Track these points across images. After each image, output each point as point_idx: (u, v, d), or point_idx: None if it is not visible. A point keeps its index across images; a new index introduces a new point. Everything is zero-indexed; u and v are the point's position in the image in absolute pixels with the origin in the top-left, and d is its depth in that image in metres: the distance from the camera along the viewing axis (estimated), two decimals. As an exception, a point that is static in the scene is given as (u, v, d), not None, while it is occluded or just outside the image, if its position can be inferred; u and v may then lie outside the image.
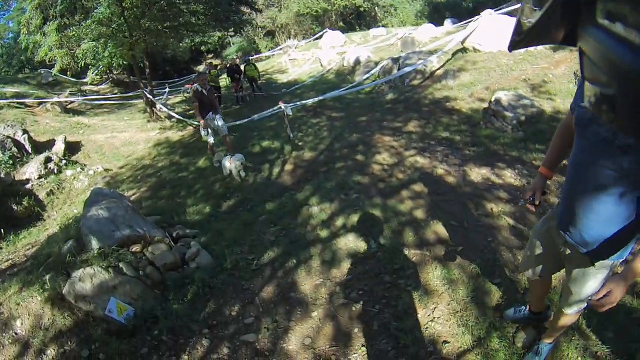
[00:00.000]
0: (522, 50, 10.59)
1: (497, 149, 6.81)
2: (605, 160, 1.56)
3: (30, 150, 11.81)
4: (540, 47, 10.71)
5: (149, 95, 16.13)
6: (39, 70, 31.53)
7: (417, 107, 9.99)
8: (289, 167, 7.91)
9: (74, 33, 15.87)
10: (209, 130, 8.84)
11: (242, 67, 18.38)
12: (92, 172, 10.84)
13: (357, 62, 17.34)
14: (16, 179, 10.01)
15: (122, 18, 14.50)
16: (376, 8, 40.33)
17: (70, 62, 19.09)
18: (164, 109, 15.71)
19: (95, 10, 15.79)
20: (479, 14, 12.58)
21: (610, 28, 0.67)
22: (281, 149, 8.98)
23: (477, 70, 10.53)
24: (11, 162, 10.71)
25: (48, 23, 15.25)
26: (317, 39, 30.70)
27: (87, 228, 4.67)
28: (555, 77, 8.87)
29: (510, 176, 5.74)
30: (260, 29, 41.02)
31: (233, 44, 42.53)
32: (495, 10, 12.79)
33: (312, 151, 8.44)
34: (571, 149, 2.00)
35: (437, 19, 29.00)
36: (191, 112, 16.53)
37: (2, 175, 9.53)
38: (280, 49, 32.83)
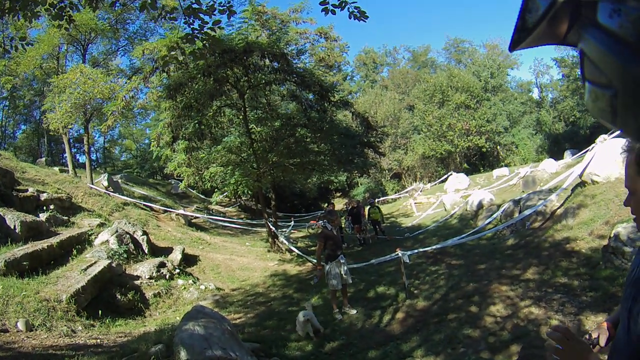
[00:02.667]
0: None
1: (616, 290, 6.36)
2: None
3: (146, 251, 12.51)
4: None
5: (271, 227, 16.67)
6: (170, 180, 34.54)
7: (537, 252, 9.66)
8: (399, 315, 7.89)
9: (203, 155, 17.17)
10: (332, 273, 8.44)
11: (366, 209, 18.95)
12: (203, 287, 11.21)
13: (480, 205, 17.23)
14: (126, 272, 10.50)
15: (250, 149, 15.64)
16: (498, 147, 40.67)
17: (196, 182, 20.17)
18: (285, 242, 16.05)
19: (226, 138, 17.24)
20: (595, 142, 12.31)
21: (610, 28, 0.68)
22: (395, 296, 8.99)
23: (596, 204, 10.09)
24: (125, 255, 11.18)
25: (178, 141, 16.51)
26: (442, 181, 31.20)
27: (179, 338, 4.83)
28: None
29: None
30: (386, 170, 42.28)
31: (360, 184, 43.80)
32: (608, 135, 12.48)
33: (425, 300, 8.38)
34: None
35: (557, 152, 28.94)
36: (313, 248, 16.69)
37: (114, 264, 10.01)
38: (406, 192, 33.54)
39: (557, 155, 24.17)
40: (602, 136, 12.30)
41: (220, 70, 14.12)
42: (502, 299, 7.37)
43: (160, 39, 17.22)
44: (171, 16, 5.67)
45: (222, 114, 16.91)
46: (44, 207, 12.41)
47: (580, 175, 11.52)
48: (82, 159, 40.49)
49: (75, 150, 28.58)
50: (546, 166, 19.30)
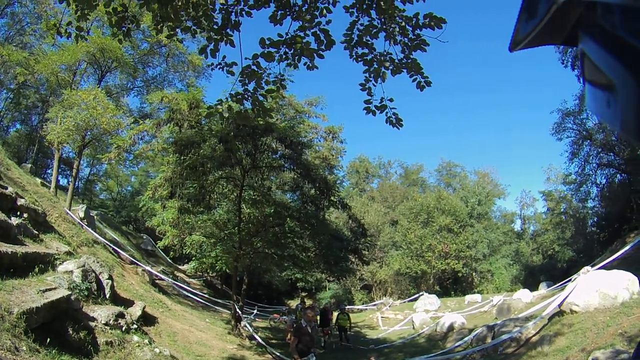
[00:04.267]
0: (618, 303, 10.40)
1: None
2: None
3: (107, 296, 11.83)
4: (635, 295, 10.50)
5: (237, 310, 16.22)
6: (142, 234, 33.75)
7: (509, 379, 9.49)
8: None
9: (190, 220, 16.97)
10: None
11: (334, 314, 18.60)
12: (158, 350, 10.64)
13: (451, 328, 17.05)
14: (83, 310, 9.81)
15: (235, 228, 15.44)
16: (474, 273, 40.82)
17: (177, 244, 20.00)
18: (248, 328, 15.68)
19: (214, 210, 17.15)
20: (572, 275, 12.52)
21: (610, 28, 0.68)
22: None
23: (573, 333, 10.10)
24: (86, 293, 10.60)
25: (173, 198, 16.28)
26: (412, 300, 30.99)
27: None
28: None
29: None
30: (358, 280, 42.02)
31: (329, 288, 43.45)
32: (592, 267, 12.75)
33: None
34: None
35: (531, 283, 29.44)
36: (273, 340, 16.56)
37: (73, 297, 9.28)
38: (375, 305, 33.26)
39: (532, 287, 24.43)
40: (586, 268, 12.58)
41: (235, 141, 14.38)
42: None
43: (182, 92, 17.65)
44: (229, 70, 5.80)
45: (219, 185, 16.94)
46: (18, 213, 11.85)
47: (560, 305, 11.64)
48: (64, 181, 40.52)
49: (59, 170, 28.09)
50: (521, 296, 19.42)
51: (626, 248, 14.95)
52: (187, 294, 21.44)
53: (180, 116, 15.61)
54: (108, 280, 12.38)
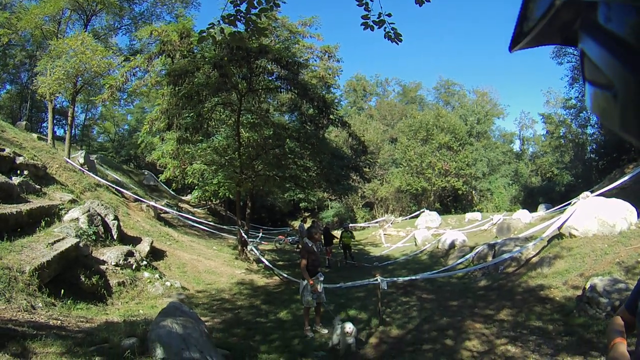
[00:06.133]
0: (616, 232, 10.50)
1: (591, 337, 6.51)
2: None
3: (115, 237, 12.06)
4: (633, 226, 10.57)
5: (243, 234, 16.42)
6: (143, 171, 34.27)
7: (510, 295, 9.74)
8: (373, 340, 7.74)
9: (190, 150, 16.90)
10: (309, 290, 8.11)
11: (339, 233, 18.86)
12: (169, 283, 10.90)
13: (452, 245, 17.38)
14: (93, 255, 10.02)
15: (236, 153, 15.47)
16: (473, 191, 41.32)
17: (178, 175, 20.07)
18: (255, 251, 15.93)
19: (214, 137, 17.11)
20: (571, 199, 12.56)
21: (610, 28, 0.67)
22: (368, 321, 8.82)
23: (572, 257, 10.27)
24: (94, 237, 10.78)
25: (171, 130, 16.29)
26: (413, 217, 31.47)
27: (156, 335, 4.64)
28: None
29: None
30: (360, 198, 42.55)
31: (331, 207, 43.84)
32: (591, 192, 12.81)
33: (399, 328, 8.26)
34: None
35: (530, 204, 29.52)
36: (280, 262, 16.83)
37: (81, 244, 9.49)
38: (377, 222, 33.81)
39: (531, 208, 24.68)
40: (585, 193, 12.61)
41: (229, 66, 13.95)
42: (477, 336, 7.34)
43: (172, 23, 16.98)
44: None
45: (217, 112, 16.71)
46: (18, 171, 11.91)
47: (559, 228, 11.74)
48: (60, 132, 40.30)
49: (54, 121, 27.83)
50: (521, 216, 19.67)
51: (625, 178, 14.94)
52: (192, 224, 21.70)
53: (171, 47, 15.00)
54: (114, 221, 12.47)
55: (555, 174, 38.96)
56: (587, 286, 7.69)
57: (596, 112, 0.76)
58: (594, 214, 11.09)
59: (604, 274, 8.25)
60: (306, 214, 44.04)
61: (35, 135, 20.96)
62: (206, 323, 8.21)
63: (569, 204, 13.24)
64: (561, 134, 38.34)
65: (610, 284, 7.45)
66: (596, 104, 0.75)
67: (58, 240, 8.81)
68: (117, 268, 10.37)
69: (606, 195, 12.47)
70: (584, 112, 30.04)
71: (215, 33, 5.62)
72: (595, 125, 30.96)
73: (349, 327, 6.79)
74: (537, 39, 0.82)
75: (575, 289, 8.66)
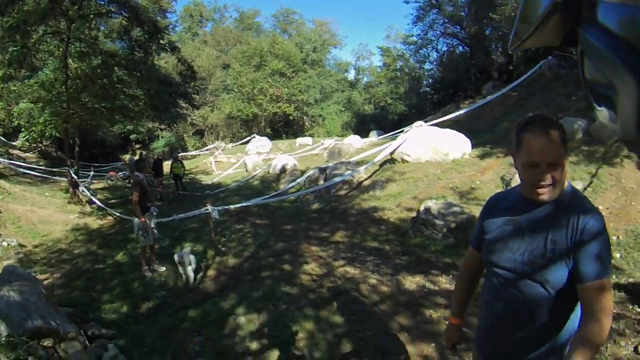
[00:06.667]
0: (450, 160, 11.17)
1: (429, 256, 6.80)
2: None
3: None
4: (467, 156, 11.33)
5: (73, 175, 15.35)
6: None
7: (344, 217, 9.94)
8: (211, 272, 7.42)
9: (15, 88, 15.56)
10: (148, 231, 7.70)
11: (168, 163, 18.03)
12: (5, 243, 9.99)
13: (283, 169, 17.47)
14: None
15: (63, 86, 14.22)
16: (304, 117, 42.20)
17: (5, 118, 18.17)
18: (86, 192, 14.99)
19: (40, 72, 15.63)
20: (404, 127, 13.09)
21: (610, 28, 0.66)
22: (203, 253, 8.46)
23: (405, 181, 10.78)
24: None
25: None
26: (244, 143, 31.26)
27: None
28: (483, 183, 9.25)
29: (445, 282, 5.74)
30: (190, 126, 41.49)
31: (162, 137, 42.18)
32: (425, 122, 13.50)
33: (236, 257, 8.01)
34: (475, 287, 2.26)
35: (362, 131, 30.50)
36: (112, 200, 15.93)
37: None
38: (207, 150, 33.06)
39: (363, 134, 25.59)
40: (419, 122, 13.19)
41: None
42: (314, 259, 7.33)
43: None
44: None
45: (45, 42, 14.98)
46: None
47: (392, 153, 12.18)
48: None
49: None
50: (352, 141, 20.29)
51: (460, 112, 15.85)
52: (24, 171, 19.82)
53: None
54: None
55: (388, 103, 41.02)
56: (422, 208, 7.98)
57: (596, 112, 0.82)
58: (428, 142, 11.65)
59: (437, 198, 8.67)
60: (137, 146, 41.70)
61: None
62: (46, 280, 7.66)
63: (402, 131, 13.78)
64: (397, 68, 39.86)
65: (445, 207, 7.78)
66: (596, 103, 0.79)
67: None
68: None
69: (440, 126, 13.14)
70: (425, 49, 31.13)
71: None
72: (434, 62, 32.60)
73: (177, 256, 6.83)
74: (537, 38, 0.85)
75: (409, 211, 8.98)
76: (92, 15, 14.55)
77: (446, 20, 26.86)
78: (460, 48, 28.78)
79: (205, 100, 41.41)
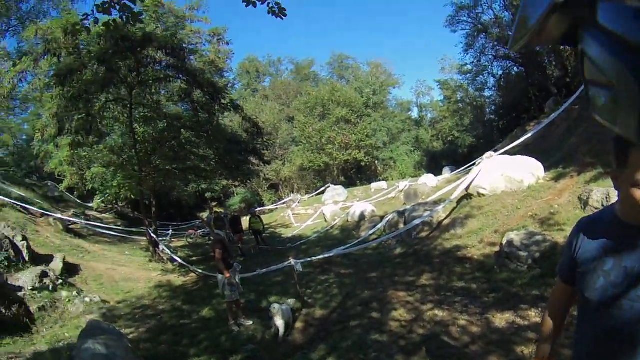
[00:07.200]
0: (525, 187, 10.83)
1: (517, 290, 6.58)
2: None
3: (27, 258, 11.31)
4: (541, 180, 10.96)
5: (152, 235, 15.89)
6: (47, 182, 31.65)
7: (428, 259, 9.81)
8: (299, 324, 7.52)
9: (85, 154, 16.19)
10: (234, 287, 7.88)
11: (247, 219, 18.48)
12: (88, 299, 10.36)
13: (362, 216, 17.45)
14: (8, 282, 9.31)
15: (133, 150, 14.86)
16: (376, 161, 42.21)
17: (78, 182, 19.15)
18: (167, 251, 15.44)
19: (108, 137, 16.38)
20: (474, 159, 12.90)
21: (610, 28, 0.67)
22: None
23: (484, 215, 10.53)
24: (6, 263, 10.16)
25: (62, 135, 15.29)
26: (319, 193, 31.65)
27: None
28: (561, 207, 8.85)
29: (534, 315, 5.55)
30: (264, 181, 42.25)
31: (237, 194, 43.25)
32: (495, 152, 13.24)
33: (323, 309, 8.08)
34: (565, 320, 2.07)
35: (435, 168, 30.25)
36: (193, 258, 16.45)
37: None
38: (284, 203, 33.55)
39: (436, 172, 25.42)
40: (489, 152, 12.96)
41: (115, 58, 13.20)
42: (402, 304, 7.26)
43: (56, 19, 15.56)
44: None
45: (108, 109, 15.75)
46: None
47: (467, 188, 11.99)
48: None
49: None
50: (427, 180, 20.07)
51: (527, 135, 15.35)
52: (102, 231, 20.61)
53: (56, 45, 13.78)
54: (23, 242, 11.68)
55: (456, 137, 40.08)
56: (504, 242, 7.81)
57: (596, 112, 0.80)
58: (500, 172, 11.39)
59: (519, 228, 8.42)
60: (213, 204, 43.14)
61: None
62: (131, 334, 7.89)
63: (474, 164, 13.56)
64: (458, 99, 39.60)
65: (527, 237, 7.56)
66: (596, 103, 0.79)
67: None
68: (34, 292, 9.55)
69: (510, 153, 12.89)
70: (480, 76, 30.94)
71: (91, 24, 5.11)
72: (493, 88, 32.25)
73: (273, 308, 6.90)
74: (537, 38, 0.85)
75: (492, 246, 8.78)
76: (151, 81, 15.20)
77: (495, 43, 26.64)
78: (515, 69, 28.49)
79: (275, 155, 42.31)
